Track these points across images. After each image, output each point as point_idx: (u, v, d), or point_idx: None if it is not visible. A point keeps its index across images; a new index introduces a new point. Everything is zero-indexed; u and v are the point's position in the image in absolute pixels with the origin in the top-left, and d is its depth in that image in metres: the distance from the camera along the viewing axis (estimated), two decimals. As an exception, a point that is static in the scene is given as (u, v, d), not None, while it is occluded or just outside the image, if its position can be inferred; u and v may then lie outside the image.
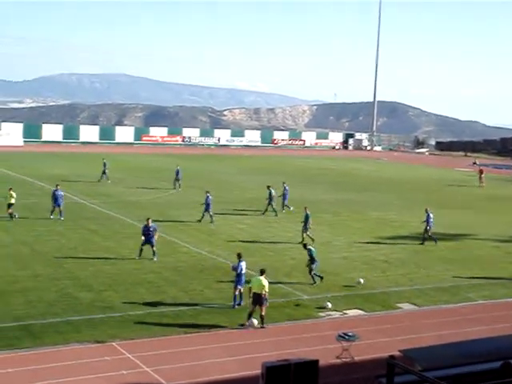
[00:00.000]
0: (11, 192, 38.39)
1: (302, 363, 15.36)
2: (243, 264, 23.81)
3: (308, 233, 35.54)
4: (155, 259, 29.74)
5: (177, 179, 54.52)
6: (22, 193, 48.19)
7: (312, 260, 27.24)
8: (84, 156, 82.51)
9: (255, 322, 21.82)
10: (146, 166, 71.12)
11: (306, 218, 35.67)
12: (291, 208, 44.64)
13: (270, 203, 43.64)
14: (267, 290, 21.83)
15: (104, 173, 57.55)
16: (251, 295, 21.85)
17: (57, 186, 40.30)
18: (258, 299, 21.65)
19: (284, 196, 45.39)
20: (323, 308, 24.06)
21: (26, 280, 25.86)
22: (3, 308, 22.45)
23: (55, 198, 39.11)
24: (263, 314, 21.73)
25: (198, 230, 37.54)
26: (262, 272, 22.25)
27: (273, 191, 44.03)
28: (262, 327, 21.79)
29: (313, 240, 34.42)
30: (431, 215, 36.98)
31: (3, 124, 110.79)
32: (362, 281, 27.28)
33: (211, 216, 39.75)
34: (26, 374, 17.47)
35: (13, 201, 38.12)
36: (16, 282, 25.48)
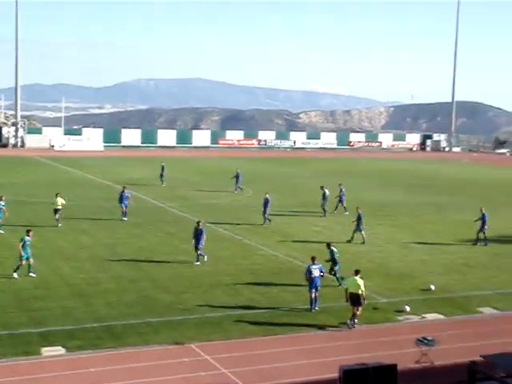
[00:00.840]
0: (58, 198, 37.86)
1: (380, 367, 15.18)
2: (314, 267, 23.74)
3: (362, 232, 35.51)
4: (197, 263, 29.65)
5: (236, 182, 54.72)
6: (101, 197, 49.48)
7: (334, 261, 26.77)
8: (162, 160, 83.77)
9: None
10: (223, 170, 71.69)
11: (359, 218, 35.51)
12: (347, 212, 44.16)
13: (323, 203, 43.94)
14: (363, 289, 21.97)
15: (162, 176, 58.16)
16: (348, 296, 22.09)
17: (123, 187, 41.28)
18: (355, 299, 21.87)
19: (340, 198, 45.26)
20: (401, 311, 23.73)
21: (107, 282, 26.44)
22: (85, 309, 23.02)
23: (121, 199, 40.03)
24: (358, 312, 22.00)
25: (275, 232, 37.62)
26: (357, 272, 22.41)
27: (327, 191, 44.17)
28: (353, 325, 22.02)
29: (351, 240, 35.42)
30: (486, 214, 36.15)
31: (84, 129, 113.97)
32: (432, 287, 26.70)
33: (266, 218, 39.80)
34: (108, 373, 17.85)
35: (59, 206, 37.73)
36: (97, 284, 26.09)
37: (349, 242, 35.31)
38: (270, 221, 39.80)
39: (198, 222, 30.70)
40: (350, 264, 30.43)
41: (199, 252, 29.95)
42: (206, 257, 30.09)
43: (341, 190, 45.53)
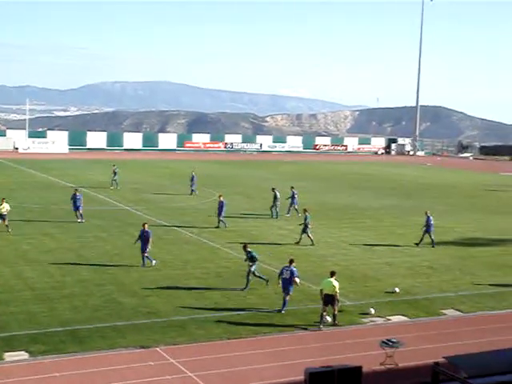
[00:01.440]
0: (4, 204, 36.41)
1: (345, 369, 15.29)
2: (286, 269, 23.89)
3: (310, 234, 35.92)
4: (142, 266, 29.46)
5: (191, 185, 54.51)
6: (66, 200, 48.97)
7: (252, 260, 26.59)
8: (127, 163, 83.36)
9: (328, 318, 22.59)
10: (188, 173, 71.51)
11: (305, 219, 36.13)
12: (299, 214, 44.37)
13: (274, 205, 44.37)
14: (338, 291, 22.46)
15: (114, 179, 57.42)
16: (322, 297, 22.48)
17: (75, 189, 41.10)
18: (329, 300, 22.40)
19: (292, 200, 45.55)
20: (366, 314, 23.92)
21: (72, 286, 26.22)
22: (49, 313, 22.80)
23: (74, 202, 39.88)
24: (336, 312, 22.58)
25: (241, 235, 37.64)
26: (333, 274, 22.89)
27: (278, 193, 44.58)
28: (334, 324, 22.50)
29: (299, 242, 35.91)
30: (431, 218, 36.87)
31: (49, 132, 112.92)
32: (397, 290, 27.00)
33: (221, 221, 39.72)
34: (73, 378, 17.70)
35: (4, 212, 36.24)
36: (62, 288, 25.86)
37: (297, 243, 35.75)
38: (225, 224, 39.63)
39: (144, 225, 30.51)
40: (315, 267, 30.69)
41: (146, 255, 29.72)
42: (154, 261, 29.76)
43: (293, 193, 45.74)
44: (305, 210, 36.90)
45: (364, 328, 22.83)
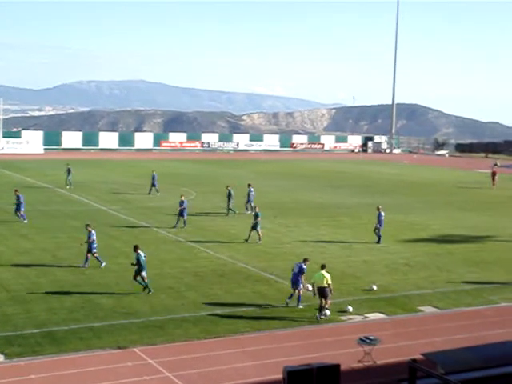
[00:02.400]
0: None
1: (323, 367, 15.30)
2: (296, 264, 24.76)
3: (259, 231, 35.82)
4: (83, 266, 29.19)
5: (153, 185, 54.03)
6: (42, 200, 48.65)
7: (140, 266, 25.63)
8: (104, 163, 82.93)
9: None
10: (165, 172, 71.33)
11: (256, 216, 36.05)
12: (250, 211, 44.33)
13: (228, 202, 44.60)
14: (330, 282, 23.06)
15: (68, 179, 56.76)
16: (316, 290, 23.08)
17: (16, 190, 40.65)
18: (322, 292, 22.91)
19: (248, 198, 45.61)
20: (344, 312, 23.97)
21: (48, 287, 26.01)
22: (25, 315, 22.59)
23: (19, 203, 39.49)
24: (325, 306, 23.00)
25: (219, 235, 37.58)
26: (323, 266, 23.60)
27: (232, 191, 44.79)
28: (317, 319, 22.86)
29: (248, 239, 35.68)
30: (382, 214, 37.11)
31: (23, 132, 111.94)
32: (375, 287, 27.09)
33: (184, 221, 39.25)
34: (49, 380, 17.55)
35: None
36: (37, 289, 25.63)
37: (246, 240, 35.62)
38: (184, 224, 39.13)
39: (87, 226, 30.27)
40: (292, 265, 30.66)
41: (96, 255, 29.47)
42: (103, 264, 29.46)
43: (250, 190, 45.79)
44: (255, 207, 37.47)
45: (342, 326, 22.89)
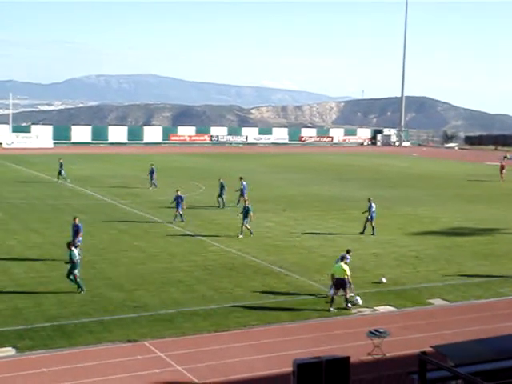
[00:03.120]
0: None
1: (333, 360, 15.27)
2: (342, 255, 24.57)
3: (248, 225, 35.51)
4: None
5: (151, 178, 54.10)
6: (51, 195, 48.83)
7: (73, 264, 24.71)
8: (113, 157, 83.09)
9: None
10: (174, 166, 71.42)
11: (247, 210, 35.63)
12: (238, 205, 44.49)
13: (220, 195, 44.82)
14: (349, 274, 23.37)
15: (60, 173, 56.42)
16: (334, 281, 23.33)
17: None
18: (341, 284, 23.28)
19: (241, 191, 45.56)
20: (354, 304, 23.97)
21: (58, 281, 26.08)
22: (36, 308, 22.70)
23: None
24: (348, 296, 23.50)
25: (228, 228, 37.61)
26: (342, 258, 23.97)
27: (224, 184, 45.03)
28: (346, 308, 23.38)
29: (251, 233, 35.41)
30: (373, 205, 37.26)
31: (33, 126, 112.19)
32: (384, 280, 27.07)
33: (180, 215, 38.77)
34: (60, 373, 17.64)
35: None
36: (48, 283, 25.75)
37: (237, 236, 35.16)
38: (182, 218, 38.70)
39: (75, 218, 30.09)
40: (302, 259, 30.73)
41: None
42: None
43: (242, 184, 45.79)
44: (245, 201, 37.25)
45: (351, 318, 22.89)
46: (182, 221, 38.61)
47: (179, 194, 39.22)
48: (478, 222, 41.84)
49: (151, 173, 54.44)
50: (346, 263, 23.68)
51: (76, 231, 29.46)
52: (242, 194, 45.41)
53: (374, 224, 37.13)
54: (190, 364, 18.34)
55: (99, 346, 19.53)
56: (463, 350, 14.37)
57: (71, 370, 17.81)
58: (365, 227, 37.11)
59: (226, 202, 44.95)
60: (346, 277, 23.28)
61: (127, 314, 22.34)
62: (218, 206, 44.75)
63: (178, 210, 38.77)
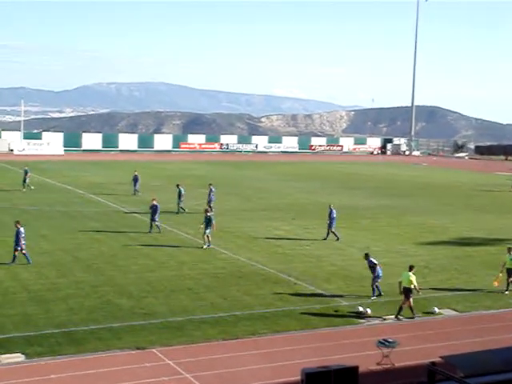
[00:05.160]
0: None
1: (341, 369, 15.26)
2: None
3: (209, 236, 34.40)
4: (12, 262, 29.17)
5: (134, 185, 53.50)
6: (61, 201, 49.00)
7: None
8: (123, 164, 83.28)
9: (368, 310, 24.11)
10: (184, 174, 71.50)
11: (209, 220, 34.37)
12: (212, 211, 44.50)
13: (179, 202, 44.54)
14: (416, 284, 23.94)
15: (24, 181, 54.85)
16: (401, 289, 23.74)
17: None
18: (406, 292, 23.80)
19: (209, 196, 45.44)
20: (362, 314, 23.91)
21: (67, 287, 26.17)
22: (45, 315, 22.76)
23: None
24: (412, 305, 23.78)
25: (237, 236, 37.63)
26: (411, 268, 24.31)
27: (182, 190, 44.90)
28: (397, 317, 23.69)
29: (208, 245, 34.21)
30: (334, 211, 37.44)
31: (44, 133, 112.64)
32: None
33: (157, 225, 37.67)
34: (69, 380, 17.67)
35: None
36: (57, 290, 25.81)
37: (201, 247, 34.19)
38: (159, 229, 37.81)
39: (16, 223, 30.01)
40: (311, 267, 30.68)
41: (24, 252, 29.47)
42: (30, 261, 29.36)
43: (210, 190, 45.72)
44: (206, 210, 35.43)
45: (360, 328, 22.83)
46: (159, 231, 37.55)
47: (155, 203, 38.18)
48: (487, 232, 41.69)
49: (135, 180, 53.69)
50: (413, 273, 24.11)
51: (17, 236, 29.39)
52: (210, 200, 45.21)
53: (333, 230, 37.38)
54: (198, 372, 18.34)
55: (108, 352, 19.55)
56: (473, 360, 14.33)
57: (80, 377, 17.84)
58: (328, 233, 37.41)
59: (181, 209, 44.86)
60: (412, 286, 23.82)
61: (136, 322, 22.37)
62: (177, 212, 44.60)
63: (154, 220, 37.69)
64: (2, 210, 43.78)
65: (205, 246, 34.22)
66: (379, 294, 26.24)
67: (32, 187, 55.01)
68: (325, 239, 37.20)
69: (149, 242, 35.43)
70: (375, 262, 26.56)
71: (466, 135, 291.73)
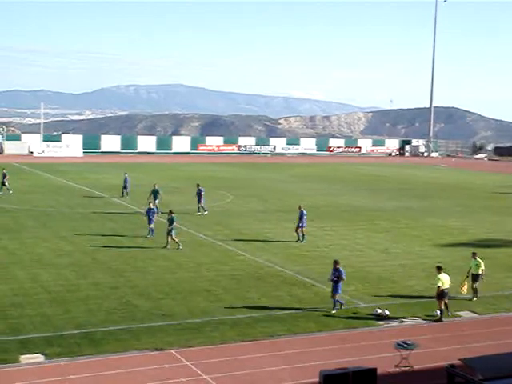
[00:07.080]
0: None
1: (360, 371, 15.24)
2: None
3: (173, 237, 34.22)
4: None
5: (124, 187, 53.04)
6: (81, 203, 49.28)
7: None
8: (142, 166, 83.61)
9: (387, 312, 23.97)
10: (202, 175, 71.63)
11: (171, 221, 34.27)
12: (205, 212, 45.10)
13: (154, 201, 43.38)
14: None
15: (4, 184, 53.41)
16: (439, 290, 23.87)
17: None
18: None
19: (199, 198, 45.50)
20: (381, 316, 23.84)
21: (87, 288, 26.32)
22: (65, 316, 22.91)
23: None
24: (448, 303, 24.39)
25: (255, 237, 37.65)
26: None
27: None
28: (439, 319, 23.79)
29: (166, 246, 34.17)
30: (304, 212, 37.21)
31: (63, 136, 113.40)
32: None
33: (151, 230, 37.13)
34: (88, 380, 17.77)
35: None
36: (77, 291, 25.97)
37: (165, 247, 34.18)
38: (152, 233, 37.06)
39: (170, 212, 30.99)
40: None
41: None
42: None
43: (199, 190, 45.69)
44: (170, 212, 34.85)
45: (379, 330, 22.77)
46: (152, 236, 36.98)
47: (151, 206, 38.38)
48: (507, 234, 41.40)
49: (125, 181, 53.30)
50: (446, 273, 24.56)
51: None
52: (199, 201, 45.44)
53: (303, 231, 37.13)
54: (216, 373, 18.38)
55: (127, 353, 19.64)
56: (492, 363, 14.24)
57: (98, 378, 17.94)
58: (298, 234, 37.14)
59: (202, 209, 45.21)
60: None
61: (155, 323, 22.45)
62: (198, 211, 44.99)
63: (150, 224, 37.29)
64: (23, 212, 44.11)
65: (168, 247, 34.17)
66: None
67: (11, 191, 53.20)
68: (298, 241, 36.88)
69: (165, 242, 35.50)
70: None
71: (485, 136, 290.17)
